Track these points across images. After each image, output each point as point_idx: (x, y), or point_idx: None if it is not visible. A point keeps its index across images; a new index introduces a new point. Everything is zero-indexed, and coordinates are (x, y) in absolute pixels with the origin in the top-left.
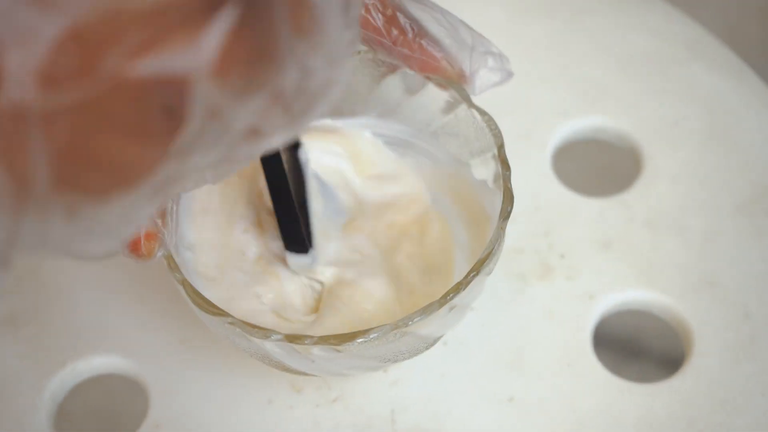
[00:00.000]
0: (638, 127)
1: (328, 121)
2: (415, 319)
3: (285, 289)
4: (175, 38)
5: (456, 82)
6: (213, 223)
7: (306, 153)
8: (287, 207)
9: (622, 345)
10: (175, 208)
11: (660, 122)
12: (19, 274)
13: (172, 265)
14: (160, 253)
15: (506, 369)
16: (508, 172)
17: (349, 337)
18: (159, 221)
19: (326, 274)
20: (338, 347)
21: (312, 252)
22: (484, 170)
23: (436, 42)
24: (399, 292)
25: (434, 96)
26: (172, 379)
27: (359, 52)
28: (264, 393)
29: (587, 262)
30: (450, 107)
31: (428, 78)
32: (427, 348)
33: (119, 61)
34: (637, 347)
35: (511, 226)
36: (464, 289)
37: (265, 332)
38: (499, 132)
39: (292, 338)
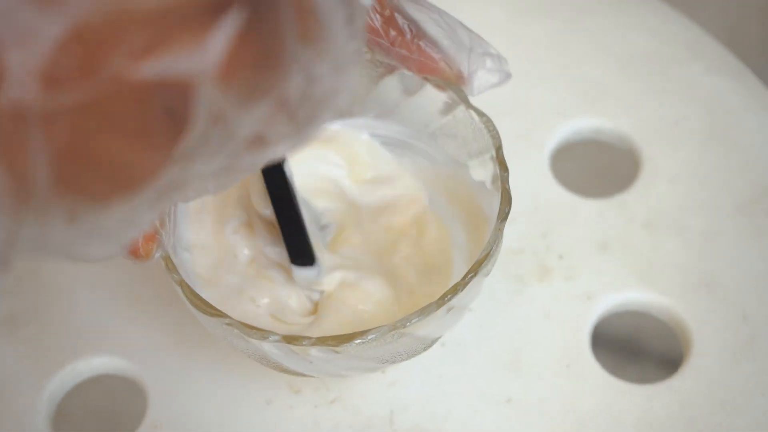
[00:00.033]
0: (638, 127)
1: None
2: (413, 320)
3: (280, 293)
4: (180, 41)
5: (454, 83)
6: (207, 222)
7: (290, 167)
8: (293, 219)
9: (621, 346)
10: (173, 209)
11: (659, 122)
12: (19, 274)
13: (170, 266)
14: (158, 254)
15: (505, 370)
16: (506, 174)
17: (347, 338)
18: (157, 222)
19: (331, 283)
20: (336, 348)
21: (317, 264)
22: (483, 171)
23: (434, 43)
24: (398, 293)
25: (432, 97)
26: (171, 379)
27: None
28: (262, 394)
29: (586, 263)
30: (448, 108)
31: (426, 79)
32: (425, 349)
33: (121, 63)
34: (636, 348)
35: (509, 227)
36: (462, 291)
37: (262, 333)
38: (497, 133)
39: (290, 339)
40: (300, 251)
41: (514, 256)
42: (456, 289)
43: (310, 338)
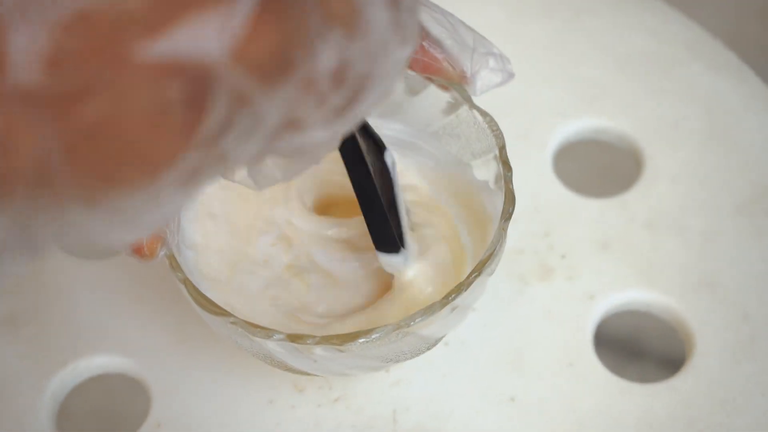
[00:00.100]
0: (638, 127)
1: None
2: (417, 320)
3: (307, 296)
4: (193, 20)
5: (457, 83)
6: (227, 230)
7: (392, 156)
8: (374, 207)
9: (622, 345)
10: None
11: (660, 122)
12: (31, 268)
13: (174, 265)
14: (162, 253)
15: (507, 369)
16: (509, 173)
17: (351, 337)
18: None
19: (410, 273)
20: (340, 347)
21: (404, 251)
22: (486, 171)
23: (437, 43)
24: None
25: (436, 97)
26: (174, 378)
27: None
28: (265, 393)
29: (587, 263)
30: (451, 108)
31: (429, 79)
32: (428, 348)
33: (130, 43)
34: (638, 347)
35: (511, 227)
36: (466, 290)
37: (267, 332)
38: (501, 133)
39: (294, 338)
40: (384, 239)
41: (516, 256)
42: (460, 289)
43: (314, 337)
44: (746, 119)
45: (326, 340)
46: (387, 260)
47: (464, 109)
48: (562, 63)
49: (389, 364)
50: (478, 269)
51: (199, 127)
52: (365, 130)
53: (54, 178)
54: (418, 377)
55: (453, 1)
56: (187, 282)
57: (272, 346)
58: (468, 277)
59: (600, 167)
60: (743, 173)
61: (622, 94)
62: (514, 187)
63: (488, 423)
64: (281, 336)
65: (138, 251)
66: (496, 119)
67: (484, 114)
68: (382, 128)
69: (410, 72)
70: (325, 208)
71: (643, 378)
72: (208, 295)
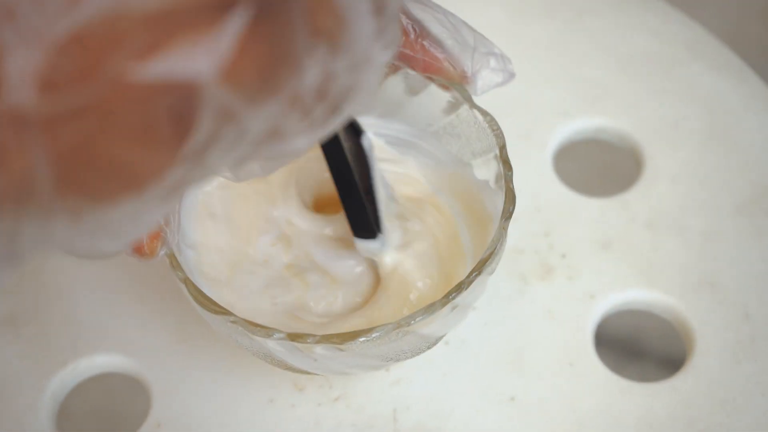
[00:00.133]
0: (638, 127)
1: None
2: (418, 319)
3: (307, 295)
4: (182, 42)
5: (458, 82)
6: (228, 230)
7: (369, 140)
8: (351, 192)
9: (622, 345)
10: (177, 207)
11: (660, 122)
12: (19, 274)
13: (175, 264)
14: (162, 252)
15: (508, 368)
16: (510, 173)
17: (351, 335)
18: (162, 221)
19: (390, 261)
20: (341, 346)
21: (381, 237)
22: (486, 170)
23: (438, 43)
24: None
25: (436, 96)
26: (174, 378)
27: None
28: (266, 392)
29: (588, 262)
30: (452, 108)
31: (430, 78)
32: (429, 347)
33: (122, 65)
34: (638, 347)
35: (511, 226)
36: (466, 289)
37: (267, 331)
38: (501, 132)
39: (294, 337)
40: (361, 224)
41: (517, 255)
42: (460, 288)
43: (314, 336)
44: (747, 119)
45: (326, 339)
46: (364, 246)
47: (465, 109)
48: (564, 63)
49: (389, 363)
50: (479, 268)
51: (186, 143)
52: None
53: (41, 194)
54: (418, 376)
55: (455, 2)
56: (187, 281)
57: (272, 345)
58: (468, 275)
59: (601, 167)
60: (743, 173)
61: (623, 94)
62: (515, 187)
63: (488, 422)
64: (281, 335)
65: (138, 251)
66: (497, 119)
67: (484, 113)
68: (382, 128)
69: (411, 71)
70: (324, 206)
71: (644, 378)
72: (209, 294)
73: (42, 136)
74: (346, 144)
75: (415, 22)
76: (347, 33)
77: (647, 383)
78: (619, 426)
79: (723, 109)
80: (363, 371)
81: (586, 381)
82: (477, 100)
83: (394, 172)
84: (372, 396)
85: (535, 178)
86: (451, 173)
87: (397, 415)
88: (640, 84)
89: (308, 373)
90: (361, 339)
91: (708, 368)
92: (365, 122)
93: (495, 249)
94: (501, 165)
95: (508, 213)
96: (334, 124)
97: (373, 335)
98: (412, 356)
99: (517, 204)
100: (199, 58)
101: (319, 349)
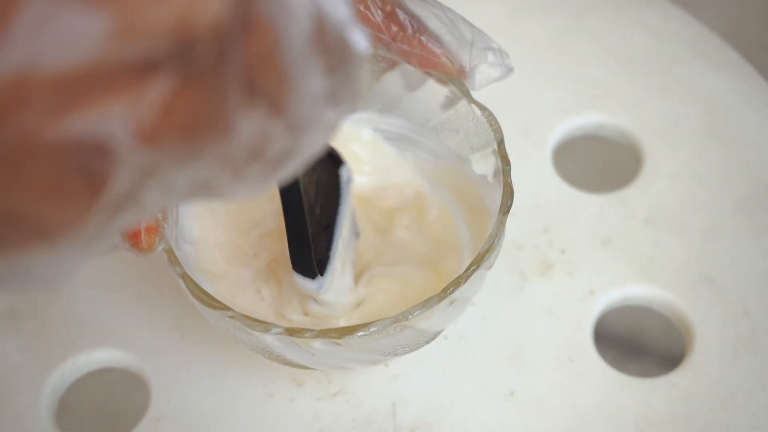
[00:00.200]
0: (639, 126)
1: None
2: (416, 313)
3: (282, 294)
4: (96, 102)
5: (456, 77)
6: (226, 223)
7: (349, 172)
8: (298, 228)
9: (622, 341)
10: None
11: (660, 121)
12: None
13: (173, 259)
14: (160, 247)
15: (507, 364)
16: (508, 167)
17: (349, 330)
18: (159, 215)
19: (339, 302)
20: (338, 340)
21: (320, 279)
22: (484, 165)
23: (435, 38)
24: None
25: (434, 92)
26: (173, 373)
27: None
28: (265, 387)
29: (587, 259)
30: (450, 103)
31: (428, 74)
32: (427, 342)
33: (31, 122)
34: (637, 343)
35: (511, 222)
36: (465, 283)
37: (265, 326)
38: (499, 127)
39: (292, 331)
40: (302, 262)
41: (517, 251)
42: (458, 282)
43: (312, 330)
44: (747, 118)
45: (324, 333)
46: (300, 282)
47: (463, 104)
48: (564, 62)
49: (388, 358)
50: (477, 262)
51: (101, 198)
52: None
53: None
54: (417, 371)
55: (456, 2)
56: (185, 276)
57: (270, 339)
58: (466, 270)
59: (600, 163)
60: (743, 172)
61: (623, 93)
62: (514, 183)
63: (487, 417)
64: (279, 330)
65: (136, 246)
66: (497, 115)
67: (482, 108)
68: (380, 123)
69: (409, 67)
70: None
71: (643, 374)
72: (206, 289)
73: None
74: (314, 176)
75: (413, 17)
76: (290, 94)
77: (647, 379)
78: (619, 422)
79: (723, 107)
80: (361, 366)
81: (585, 377)
82: (476, 95)
83: (389, 181)
84: (371, 391)
85: (535, 174)
86: (450, 168)
87: (396, 410)
88: (641, 83)
89: (307, 367)
90: (359, 333)
91: (708, 364)
92: (364, 118)
93: (493, 243)
94: (499, 160)
95: (506, 207)
96: (276, 181)
97: (371, 330)
98: (411, 351)
99: (516, 200)
100: (113, 120)
101: (317, 344)
